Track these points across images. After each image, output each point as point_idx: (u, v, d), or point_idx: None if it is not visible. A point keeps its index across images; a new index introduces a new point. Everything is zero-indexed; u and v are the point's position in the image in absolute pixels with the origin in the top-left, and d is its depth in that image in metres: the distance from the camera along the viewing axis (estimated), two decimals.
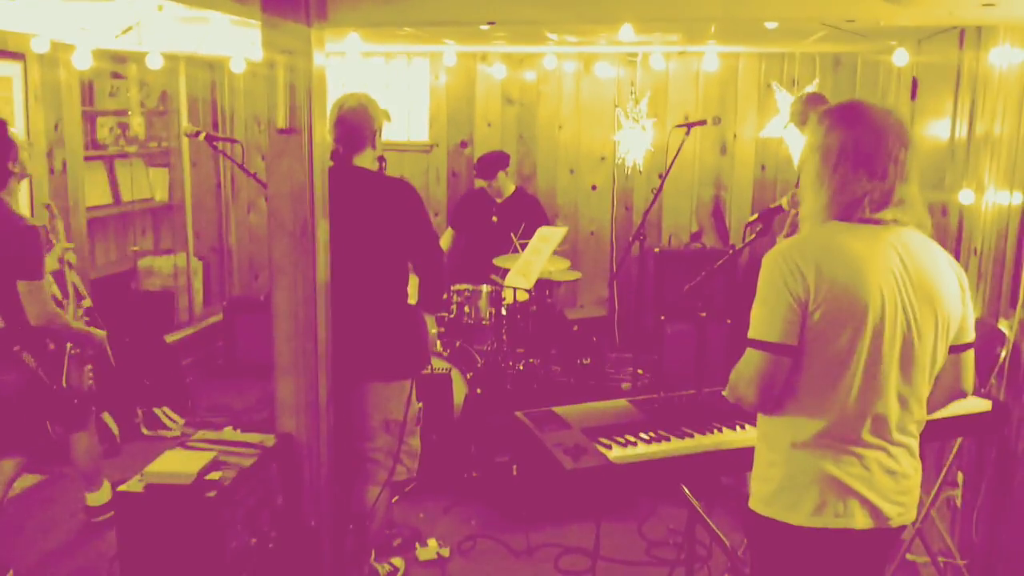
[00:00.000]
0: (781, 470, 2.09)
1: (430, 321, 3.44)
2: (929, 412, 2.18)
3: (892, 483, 2.08)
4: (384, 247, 3.31)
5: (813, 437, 2.05)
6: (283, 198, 2.98)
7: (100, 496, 4.15)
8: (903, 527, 2.15)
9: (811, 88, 6.20)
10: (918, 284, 2.04)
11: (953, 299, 2.10)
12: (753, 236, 2.99)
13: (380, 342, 3.32)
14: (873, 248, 2.02)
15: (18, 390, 3.61)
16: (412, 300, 3.50)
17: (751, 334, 2.05)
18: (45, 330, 3.58)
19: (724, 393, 2.18)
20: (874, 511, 2.06)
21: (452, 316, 5.01)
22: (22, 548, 3.90)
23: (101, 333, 3.90)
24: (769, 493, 2.11)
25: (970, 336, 2.17)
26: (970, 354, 2.19)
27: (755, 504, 2.15)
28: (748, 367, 2.05)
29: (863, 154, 2.02)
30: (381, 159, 3.47)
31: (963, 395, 2.21)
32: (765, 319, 2.03)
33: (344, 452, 3.33)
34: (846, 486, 2.04)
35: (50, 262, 3.85)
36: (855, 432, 2.04)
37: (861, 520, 2.05)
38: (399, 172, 6.98)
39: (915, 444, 2.13)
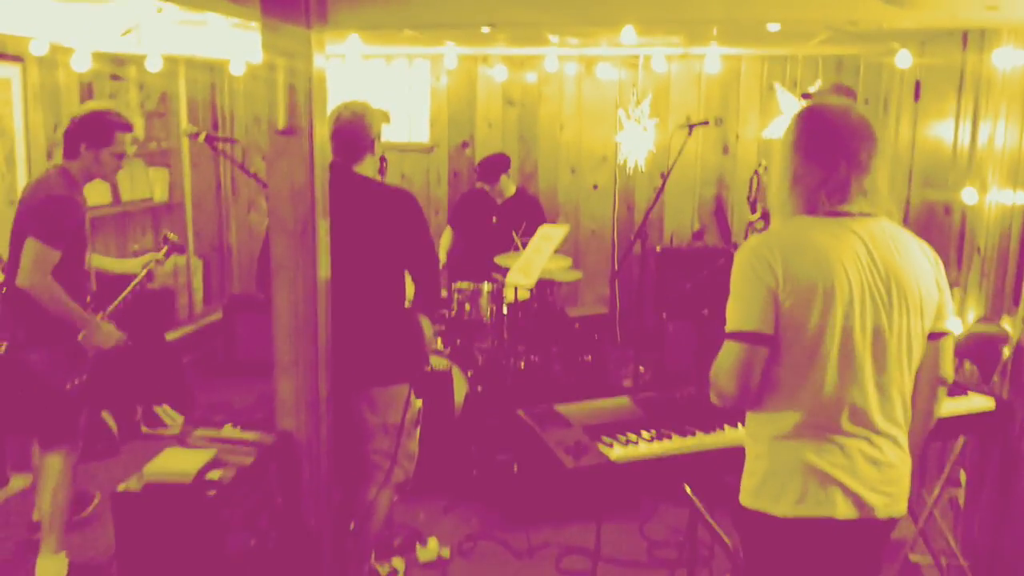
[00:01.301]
0: (765, 463, 2.13)
1: (425, 323, 3.44)
2: (919, 405, 2.21)
3: (876, 473, 2.09)
4: (383, 255, 3.31)
5: (793, 428, 2.08)
6: (283, 198, 2.97)
7: (56, 566, 3.51)
8: (892, 520, 2.16)
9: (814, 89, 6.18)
10: (886, 273, 2.07)
11: (927, 285, 2.13)
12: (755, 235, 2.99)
13: (377, 348, 3.32)
14: (838, 239, 2.07)
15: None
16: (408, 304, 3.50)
17: (728, 328, 2.09)
18: (31, 295, 3.31)
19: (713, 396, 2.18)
20: (857, 501, 2.08)
21: (453, 314, 4.99)
22: (12, 547, 3.88)
23: (114, 332, 3.61)
24: (754, 486, 2.15)
25: (946, 324, 2.21)
26: (948, 341, 2.22)
27: (743, 498, 2.18)
28: (727, 359, 2.08)
29: (813, 146, 2.12)
30: (382, 159, 3.47)
31: (943, 382, 2.24)
32: (740, 311, 2.07)
33: (346, 454, 3.33)
34: (828, 475, 2.06)
35: (134, 264, 3.92)
36: (834, 421, 2.07)
37: (843, 509, 2.07)
38: (400, 172, 6.99)
39: (902, 435, 2.15)
